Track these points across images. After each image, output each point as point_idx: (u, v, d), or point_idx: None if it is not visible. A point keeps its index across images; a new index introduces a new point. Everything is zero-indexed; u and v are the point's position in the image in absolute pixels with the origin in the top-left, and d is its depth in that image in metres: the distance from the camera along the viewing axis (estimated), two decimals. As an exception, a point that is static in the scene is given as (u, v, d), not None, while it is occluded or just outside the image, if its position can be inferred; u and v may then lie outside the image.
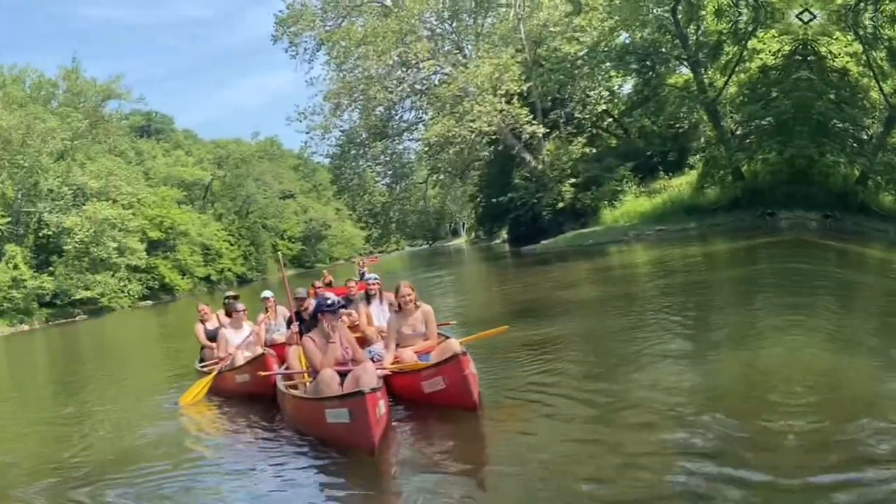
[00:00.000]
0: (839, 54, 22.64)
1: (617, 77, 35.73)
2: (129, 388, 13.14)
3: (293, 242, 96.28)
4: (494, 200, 42.46)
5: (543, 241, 35.42)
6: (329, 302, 7.24)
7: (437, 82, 41.37)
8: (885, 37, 22.59)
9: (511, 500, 4.40)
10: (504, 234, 51.48)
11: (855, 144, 22.92)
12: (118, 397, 11.93)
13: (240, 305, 10.65)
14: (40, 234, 54.05)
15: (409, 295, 7.94)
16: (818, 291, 10.06)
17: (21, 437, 9.59)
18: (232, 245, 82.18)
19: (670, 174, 33.76)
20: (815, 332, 7.52)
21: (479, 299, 19.40)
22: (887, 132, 23.98)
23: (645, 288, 15.24)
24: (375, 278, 10.03)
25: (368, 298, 9.78)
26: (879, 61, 22.87)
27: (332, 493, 5.40)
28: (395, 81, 41.72)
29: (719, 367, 6.92)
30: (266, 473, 6.03)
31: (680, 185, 31.69)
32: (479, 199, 51.45)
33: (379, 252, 77.72)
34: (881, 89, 23.31)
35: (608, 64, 33.04)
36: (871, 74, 23.17)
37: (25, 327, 47.43)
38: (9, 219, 50.46)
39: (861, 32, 22.52)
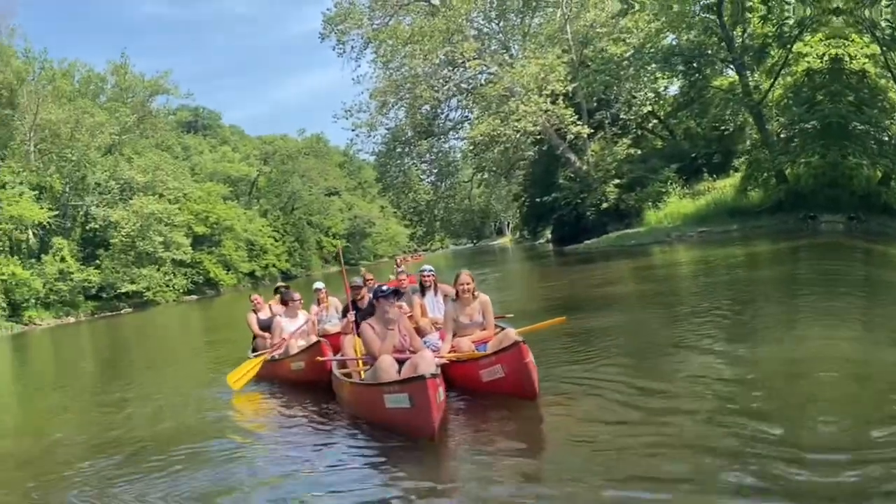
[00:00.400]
0: (856, 56, 23.29)
1: (662, 79, 36.46)
2: (180, 376, 13.78)
3: (337, 239, 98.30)
4: (539, 200, 43.42)
5: (587, 241, 36.47)
6: (385, 288, 7.51)
7: (482, 82, 42.38)
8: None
9: (569, 487, 4.40)
10: (548, 234, 52.37)
11: (875, 146, 23.50)
12: (168, 384, 12.49)
13: (296, 294, 11.00)
14: (87, 228, 56.23)
15: (467, 284, 8.05)
16: (856, 291, 10.38)
17: (71, 421, 10.23)
18: (277, 241, 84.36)
19: (715, 176, 34.43)
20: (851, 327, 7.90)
21: (524, 295, 20.07)
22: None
23: (687, 284, 16.31)
24: (431, 270, 10.03)
25: (423, 290, 9.76)
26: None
27: (390, 478, 5.38)
28: (441, 80, 42.89)
29: (761, 354, 7.32)
30: (321, 459, 6.09)
31: (724, 187, 32.34)
32: (523, 199, 52.44)
33: (423, 250, 79.03)
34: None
35: (654, 65, 33.83)
36: (891, 75, 23.81)
37: (71, 319, 49.41)
38: (56, 212, 52.47)
39: (878, 34, 23.19)
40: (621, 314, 12.45)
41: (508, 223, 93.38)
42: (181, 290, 60.40)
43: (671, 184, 35.10)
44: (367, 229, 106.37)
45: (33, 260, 49.82)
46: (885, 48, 23.36)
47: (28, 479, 7.01)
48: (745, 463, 4.31)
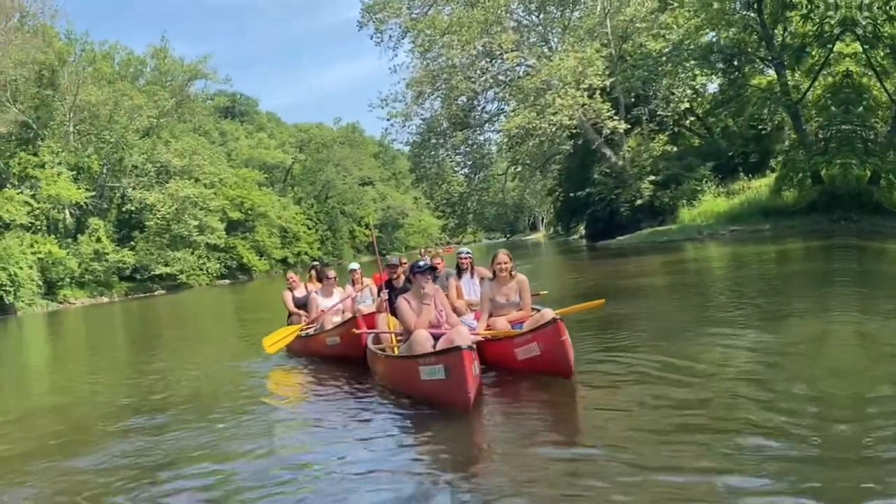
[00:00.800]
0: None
1: (701, 76, 36.64)
2: (215, 350, 14.34)
3: (370, 230, 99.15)
4: (573, 195, 43.89)
5: (619, 237, 36.93)
6: (422, 263, 7.64)
7: (520, 74, 42.79)
8: (886, 34, 23.53)
9: (602, 464, 4.42)
10: (581, 230, 52.71)
11: (861, 145, 23.80)
12: (204, 356, 13.04)
13: (331, 272, 11.39)
14: (123, 210, 57.60)
15: (505, 263, 8.09)
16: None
17: (109, 385, 10.85)
18: (309, 229, 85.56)
19: (750, 176, 34.61)
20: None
21: (556, 285, 20.23)
22: (895, 131, 25.02)
23: (717, 276, 16.97)
24: (468, 252, 9.99)
25: (459, 272, 9.74)
26: (880, 59, 23.98)
27: (423, 450, 5.42)
28: (478, 71, 43.31)
29: (790, 338, 7.61)
30: (355, 430, 6.14)
31: (759, 186, 32.56)
32: (557, 194, 52.85)
33: (455, 243, 79.56)
34: (885, 88, 24.39)
35: (692, 62, 34.06)
36: (873, 73, 24.13)
37: (105, 299, 50.96)
38: (93, 193, 54.02)
39: (860, 32, 23.46)
40: (653, 302, 13.20)
41: (543, 218, 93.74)
42: (214, 275, 61.68)
43: (706, 182, 35.35)
44: (399, 220, 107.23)
45: (69, 239, 51.27)
46: (866, 46, 23.68)
47: (72, 433, 7.60)
48: (780, 440, 4.40)
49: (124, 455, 6.20)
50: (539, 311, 7.84)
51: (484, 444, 5.48)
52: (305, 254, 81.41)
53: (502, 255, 8.17)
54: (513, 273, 8.17)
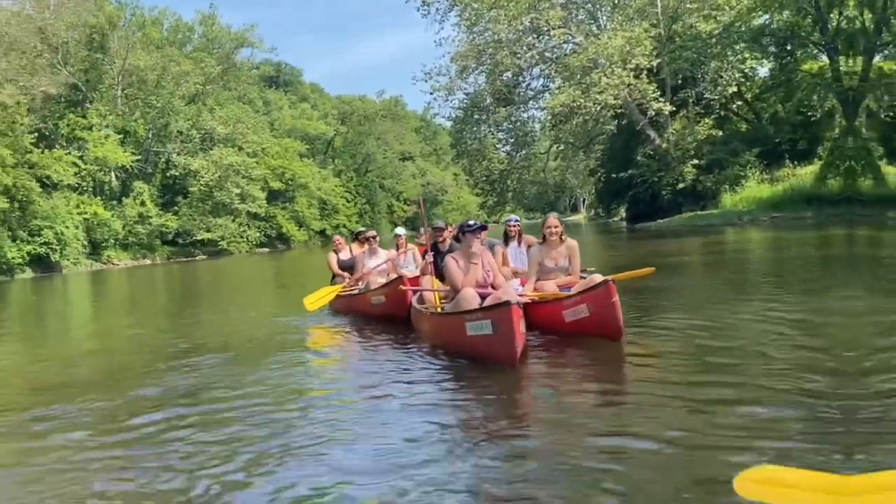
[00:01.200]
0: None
1: (751, 59, 36.25)
2: (258, 307, 14.75)
3: (408, 205, 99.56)
4: (615, 176, 43.73)
5: (659, 220, 36.87)
6: (471, 222, 7.67)
7: (567, 52, 42.56)
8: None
9: (646, 424, 4.39)
10: (622, 213, 52.52)
11: None
12: (248, 313, 13.37)
13: (372, 232, 11.79)
14: (167, 175, 58.62)
15: (556, 227, 8.02)
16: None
17: (149, 337, 11.25)
18: (348, 202, 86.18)
19: (796, 163, 34.23)
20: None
21: (597, 262, 20.69)
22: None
23: (757, 256, 17.37)
24: (516, 220, 9.91)
25: (507, 240, 9.69)
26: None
27: (467, 405, 5.41)
28: (524, 47, 43.14)
29: (830, 312, 7.70)
30: (399, 385, 6.08)
31: (805, 174, 32.27)
32: (599, 175, 52.63)
33: (493, 222, 79.65)
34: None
35: (742, 45, 33.73)
36: None
37: (147, 261, 52.15)
38: (139, 157, 54.99)
39: None
40: (693, 276, 13.61)
41: (584, 200, 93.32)
42: (254, 243, 62.57)
43: (751, 168, 35.09)
44: (438, 197, 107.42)
45: (115, 202, 52.37)
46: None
47: (117, 373, 8.10)
48: (823, 408, 4.39)
49: (164, 394, 6.58)
50: (588, 276, 7.86)
51: (529, 402, 5.50)
52: (343, 226, 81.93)
53: (552, 219, 8.12)
54: (563, 237, 8.10)
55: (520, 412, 5.22)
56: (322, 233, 76.81)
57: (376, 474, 3.91)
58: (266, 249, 64.05)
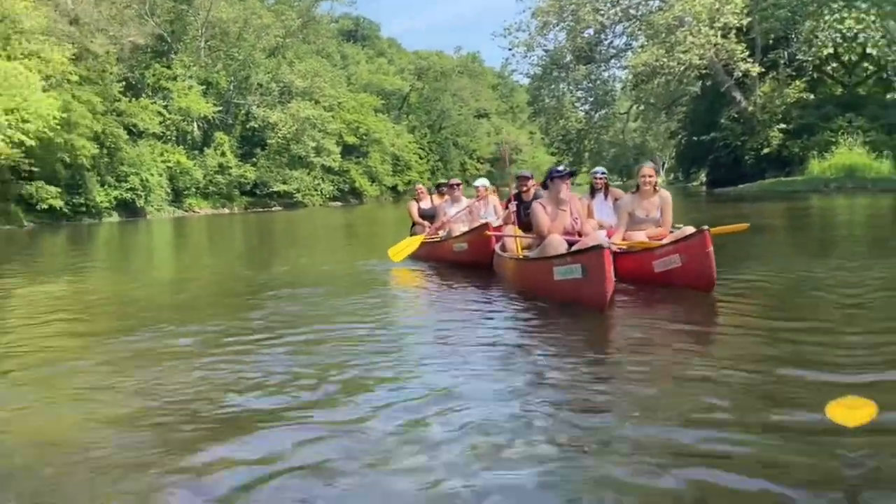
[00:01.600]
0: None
1: (849, 19, 34.72)
2: (339, 252, 15.17)
3: (482, 163, 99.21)
4: (696, 139, 42.78)
5: (740, 185, 35.95)
6: (561, 168, 7.58)
7: (652, 9, 41.63)
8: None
9: (738, 374, 4.25)
10: (702, 177, 51.46)
11: None
12: (328, 258, 13.67)
13: (455, 180, 11.99)
14: (247, 126, 59.47)
15: (650, 176, 7.88)
16: None
17: (229, 275, 11.63)
18: (421, 158, 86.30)
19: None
20: None
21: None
22: None
23: (844, 221, 16.78)
24: (603, 172, 9.74)
25: (593, 192, 9.42)
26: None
27: (554, 348, 5.30)
28: (607, 4, 42.43)
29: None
30: (482, 329, 6.03)
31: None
32: (680, 137, 51.61)
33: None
34: None
35: (840, 3, 32.35)
36: None
37: (226, 210, 53.39)
38: (220, 108, 55.84)
39: None
40: (780, 237, 13.45)
41: (664, 163, 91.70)
42: (327, 196, 63.30)
43: (843, 134, 33.79)
44: (513, 155, 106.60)
45: (196, 152, 53.49)
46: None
47: (222, 298, 8.62)
48: None
49: (267, 318, 6.89)
50: (680, 228, 7.72)
51: (618, 346, 5.42)
52: (416, 182, 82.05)
53: (648, 169, 7.99)
54: (657, 188, 7.94)
55: (607, 356, 5.14)
56: (394, 189, 77.22)
57: (462, 408, 3.84)
58: (339, 203, 64.74)
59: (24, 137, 30.82)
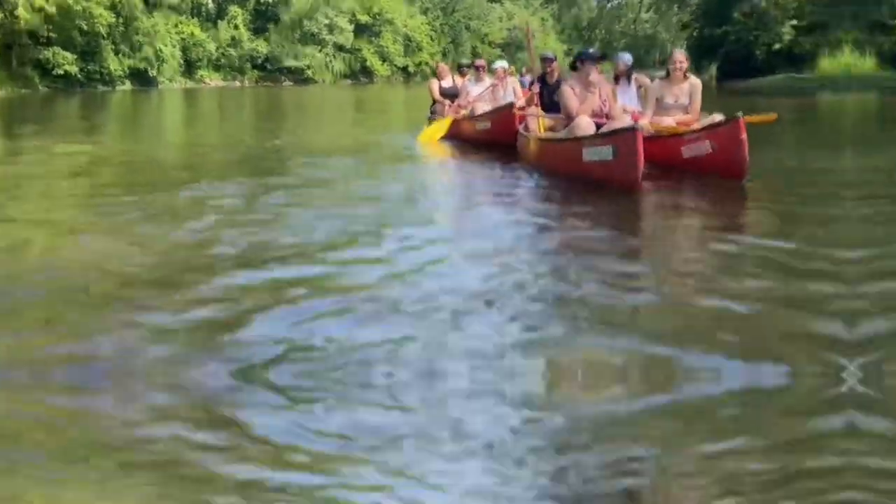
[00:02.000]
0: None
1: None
2: (355, 126, 15.53)
3: (493, 48, 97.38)
4: (708, 32, 42.23)
5: (751, 80, 35.81)
6: (591, 50, 7.65)
7: None
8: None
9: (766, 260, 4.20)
10: (713, 70, 50.97)
11: None
12: (346, 131, 13.94)
13: (480, 61, 12.08)
14: (261, 1, 58.67)
15: (681, 62, 7.74)
16: None
17: (265, 140, 12.09)
18: (432, 40, 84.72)
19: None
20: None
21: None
22: None
23: (858, 117, 16.84)
24: (629, 58, 9.51)
25: (617, 78, 9.15)
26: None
27: (582, 228, 5.35)
28: None
29: None
30: (506, 202, 6.25)
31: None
32: (692, 29, 50.81)
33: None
34: None
35: None
36: None
37: (237, 83, 53.43)
38: (236, -19, 54.89)
39: None
40: (802, 129, 13.61)
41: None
42: (338, 74, 62.79)
43: (860, 32, 33.33)
44: (524, 42, 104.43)
45: (210, 24, 52.94)
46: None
47: (249, 160, 9.21)
48: None
49: (295, 181, 7.47)
50: (710, 115, 7.62)
51: (649, 229, 5.54)
52: (426, 64, 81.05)
53: (679, 54, 7.98)
54: (687, 74, 7.81)
55: (628, 244, 5.09)
56: (404, 69, 76.21)
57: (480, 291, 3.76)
58: (349, 81, 64.24)
59: (43, 3, 30.86)
